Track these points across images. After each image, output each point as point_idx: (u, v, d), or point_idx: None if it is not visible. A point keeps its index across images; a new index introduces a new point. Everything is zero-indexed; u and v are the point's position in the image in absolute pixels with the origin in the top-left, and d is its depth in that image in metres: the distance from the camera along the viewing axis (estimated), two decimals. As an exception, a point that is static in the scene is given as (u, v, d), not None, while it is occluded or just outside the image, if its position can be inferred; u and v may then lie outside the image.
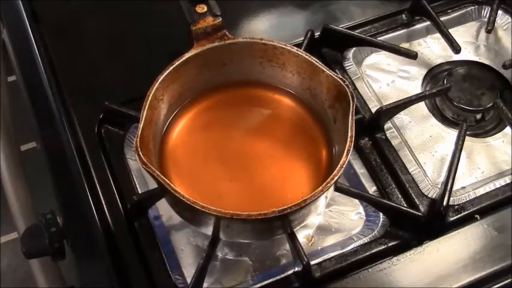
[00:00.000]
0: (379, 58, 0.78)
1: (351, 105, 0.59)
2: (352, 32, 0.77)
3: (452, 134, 0.72)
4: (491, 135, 0.73)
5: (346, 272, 0.63)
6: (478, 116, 0.74)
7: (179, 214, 0.63)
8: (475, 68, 0.77)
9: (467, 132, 0.71)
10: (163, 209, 0.66)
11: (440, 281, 0.62)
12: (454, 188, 0.67)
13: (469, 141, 0.71)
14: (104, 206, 0.66)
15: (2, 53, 0.94)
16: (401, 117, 0.73)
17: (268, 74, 0.67)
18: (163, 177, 0.55)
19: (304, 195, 0.56)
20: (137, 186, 0.68)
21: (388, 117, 0.72)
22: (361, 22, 0.80)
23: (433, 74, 0.78)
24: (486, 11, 0.82)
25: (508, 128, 0.73)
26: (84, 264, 0.67)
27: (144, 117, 0.59)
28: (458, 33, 0.80)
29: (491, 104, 0.73)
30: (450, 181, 0.66)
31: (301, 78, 0.65)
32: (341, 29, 0.77)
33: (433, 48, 0.80)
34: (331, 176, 0.57)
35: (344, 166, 0.57)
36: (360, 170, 0.70)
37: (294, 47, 0.64)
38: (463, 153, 0.69)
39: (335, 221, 0.67)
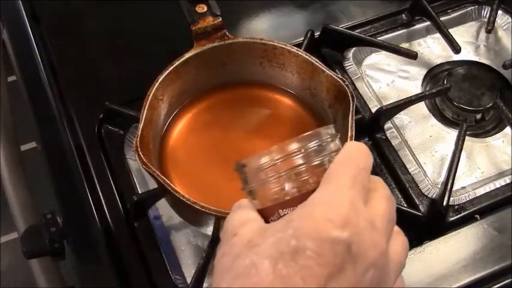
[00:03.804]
0: (379, 58, 0.78)
1: (351, 105, 0.59)
2: (352, 32, 0.77)
3: (452, 134, 0.72)
4: (491, 135, 0.73)
5: (346, 272, 0.62)
6: (478, 116, 0.74)
7: (179, 214, 0.63)
8: (475, 68, 0.77)
9: (467, 132, 0.71)
10: (163, 209, 0.66)
11: (440, 281, 0.62)
12: (454, 188, 0.67)
13: (469, 141, 0.71)
14: (104, 206, 0.66)
15: (2, 53, 0.94)
16: (401, 117, 0.73)
17: (268, 74, 0.67)
18: (163, 177, 0.55)
19: (304, 195, 0.55)
20: (137, 186, 0.68)
21: (388, 117, 0.72)
22: (361, 22, 0.80)
23: (433, 74, 0.78)
24: (486, 11, 0.82)
25: (508, 128, 0.73)
26: (84, 264, 0.67)
27: (144, 117, 0.59)
28: (458, 33, 0.80)
29: (491, 104, 0.72)
30: (450, 181, 0.66)
31: (301, 78, 0.65)
32: (341, 29, 0.77)
33: (433, 48, 0.80)
34: (331, 176, 0.57)
35: (344, 166, 0.57)
36: (360, 170, 0.70)
37: (294, 47, 0.64)
38: (463, 153, 0.69)
39: (335, 221, 0.67)
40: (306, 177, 0.41)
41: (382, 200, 0.40)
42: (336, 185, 0.39)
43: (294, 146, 0.41)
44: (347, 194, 0.38)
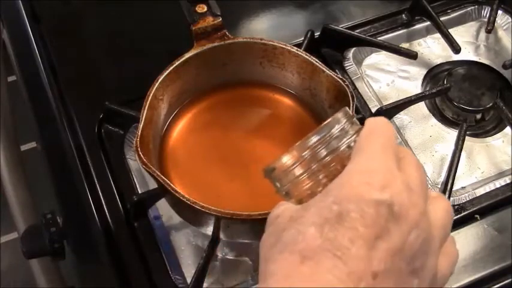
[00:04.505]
0: (379, 58, 0.78)
1: (351, 105, 0.59)
2: (352, 32, 0.77)
3: (452, 134, 0.72)
4: (491, 135, 0.73)
5: (346, 272, 0.62)
6: (478, 116, 0.74)
7: (179, 214, 0.63)
8: (475, 68, 0.77)
9: (467, 132, 0.71)
10: (163, 209, 0.66)
11: (440, 281, 0.62)
12: (454, 188, 0.67)
13: (469, 141, 0.71)
14: (104, 206, 0.66)
15: (2, 53, 0.94)
16: (401, 117, 0.73)
17: (268, 74, 0.67)
18: (163, 177, 0.55)
19: (304, 195, 0.55)
20: (137, 186, 0.68)
21: (388, 117, 0.71)
22: (361, 22, 0.80)
23: (433, 74, 0.78)
24: (486, 11, 0.82)
25: (508, 128, 0.73)
26: (84, 264, 0.67)
27: (144, 117, 0.59)
28: (458, 33, 0.80)
29: (491, 104, 0.73)
30: (450, 181, 0.66)
31: (301, 78, 0.65)
32: (341, 29, 0.77)
33: (433, 48, 0.80)
34: (331, 176, 0.57)
35: (344, 166, 0.57)
36: (360, 170, 0.70)
37: (294, 47, 0.64)
38: (463, 153, 0.69)
39: (335, 221, 0.67)
40: (335, 165, 0.41)
41: (412, 166, 0.41)
42: (368, 154, 0.40)
43: (317, 138, 0.42)
44: (381, 159, 0.39)
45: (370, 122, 0.42)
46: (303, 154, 0.42)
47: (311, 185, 0.42)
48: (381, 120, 0.43)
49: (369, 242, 0.36)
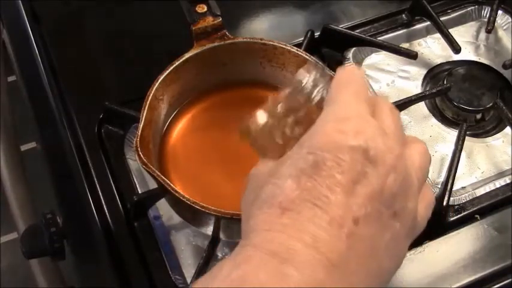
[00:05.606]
0: (379, 58, 0.78)
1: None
2: (352, 32, 0.77)
3: (452, 134, 0.72)
4: (491, 135, 0.73)
5: (346, 272, 0.62)
6: (478, 116, 0.74)
7: (179, 214, 0.63)
8: (475, 68, 0.77)
9: (467, 132, 0.71)
10: (163, 209, 0.66)
11: (440, 281, 0.62)
12: (454, 188, 0.67)
13: (469, 141, 0.71)
14: (104, 206, 0.66)
15: (2, 53, 0.94)
16: (401, 117, 0.73)
17: (268, 74, 0.67)
18: (163, 177, 0.55)
19: (304, 195, 0.55)
20: (137, 186, 0.68)
21: (388, 117, 0.72)
22: (361, 22, 0.80)
23: (433, 74, 0.78)
24: (486, 11, 0.82)
25: (508, 128, 0.73)
26: (84, 264, 0.67)
27: (144, 117, 0.59)
28: (458, 33, 0.80)
29: (491, 104, 0.73)
30: (450, 181, 0.66)
31: (301, 78, 0.65)
32: (341, 29, 0.77)
33: (433, 48, 0.80)
34: (331, 176, 0.57)
35: (344, 166, 0.57)
36: (360, 170, 0.70)
37: (294, 47, 0.64)
38: (463, 153, 0.69)
39: (335, 221, 0.67)
40: (310, 118, 0.41)
41: (387, 112, 0.42)
42: (340, 102, 0.40)
43: (289, 91, 0.41)
44: (353, 107, 0.39)
45: (340, 72, 0.42)
46: (277, 109, 0.41)
47: (288, 140, 0.41)
48: (351, 69, 0.43)
49: (347, 188, 0.36)
